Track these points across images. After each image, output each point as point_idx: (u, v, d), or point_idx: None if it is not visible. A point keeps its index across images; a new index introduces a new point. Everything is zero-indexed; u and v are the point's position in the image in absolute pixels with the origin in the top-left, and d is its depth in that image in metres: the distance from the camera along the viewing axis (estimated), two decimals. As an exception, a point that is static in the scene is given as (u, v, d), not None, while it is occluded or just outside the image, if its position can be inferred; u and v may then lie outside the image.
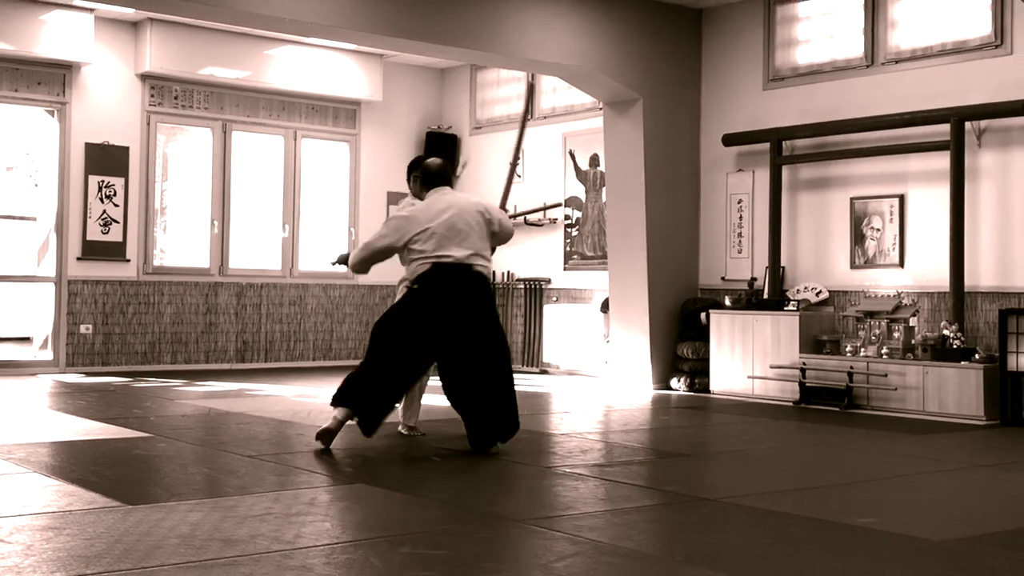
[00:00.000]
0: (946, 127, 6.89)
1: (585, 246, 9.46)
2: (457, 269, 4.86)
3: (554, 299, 9.63)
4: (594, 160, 9.35)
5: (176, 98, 9.38)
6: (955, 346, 6.58)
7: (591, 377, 9.02)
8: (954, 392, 6.49)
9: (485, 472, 4.53)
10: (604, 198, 9.02)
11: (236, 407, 6.51)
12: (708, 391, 7.95)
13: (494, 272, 10.16)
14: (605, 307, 8.81)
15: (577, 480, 4.28)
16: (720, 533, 3.44)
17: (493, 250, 5.16)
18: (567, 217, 9.60)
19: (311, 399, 7.08)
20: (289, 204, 10.00)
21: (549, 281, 9.68)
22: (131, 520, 3.38)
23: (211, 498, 3.76)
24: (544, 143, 9.82)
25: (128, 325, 9.14)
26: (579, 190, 9.52)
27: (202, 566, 2.83)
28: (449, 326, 4.83)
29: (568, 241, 9.59)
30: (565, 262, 9.59)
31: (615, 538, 3.28)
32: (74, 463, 4.47)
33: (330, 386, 8.03)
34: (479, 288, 4.91)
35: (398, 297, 5.23)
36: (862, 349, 7.06)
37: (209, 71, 9.32)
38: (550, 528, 3.38)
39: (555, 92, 9.72)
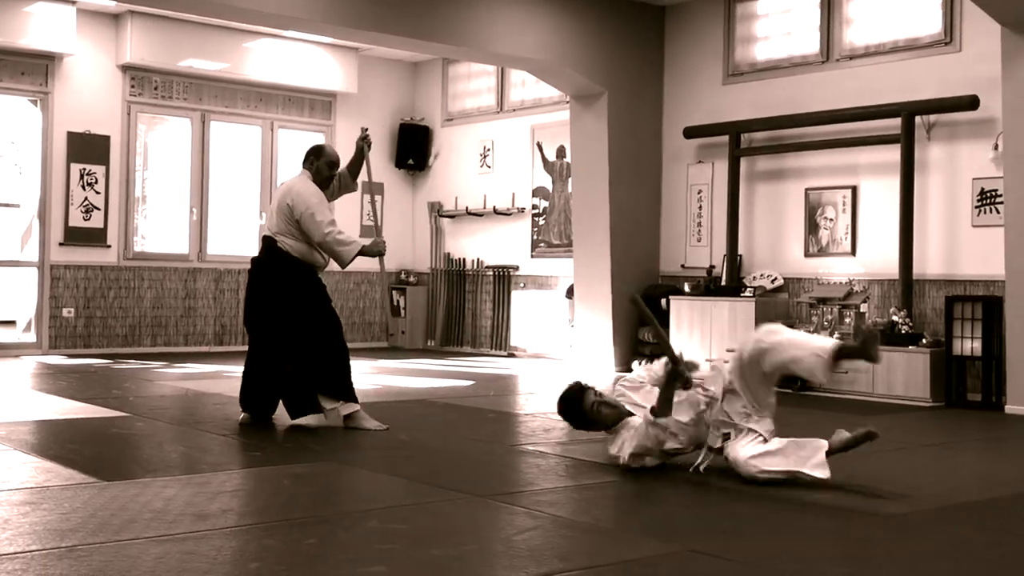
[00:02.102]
0: (897, 121, 6.95)
1: (552, 234, 9.47)
2: (261, 243, 4.97)
3: (521, 285, 9.64)
4: (561, 152, 9.35)
5: (156, 89, 9.27)
6: (903, 331, 6.66)
7: (556, 360, 9.05)
8: (902, 375, 6.57)
9: (450, 450, 4.53)
10: (570, 188, 9.02)
11: (213, 388, 6.47)
12: (669, 373, 7.98)
13: (463, 259, 10.17)
14: (570, 293, 8.84)
15: (539, 457, 4.29)
16: (673, 508, 3.46)
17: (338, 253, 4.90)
18: (535, 207, 9.61)
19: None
20: (266, 192, 9.92)
21: (517, 268, 9.69)
22: (106, 495, 3.35)
23: (185, 474, 3.74)
24: (513, 135, 9.80)
25: (109, 309, 9.04)
26: (546, 180, 9.53)
27: (174, 539, 2.82)
28: (248, 298, 5.00)
29: (535, 230, 9.60)
30: (532, 250, 9.60)
31: (573, 512, 3.30)
32: (53, 441, 4.42)
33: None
34: (266, 261, 4.86)
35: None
36: (815, 334, 7.13)
37: (188, 63, 9.20)
38: (512, 503, 3.39)
39: (524, 86, 9.70)
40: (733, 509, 3.45)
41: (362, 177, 5.35)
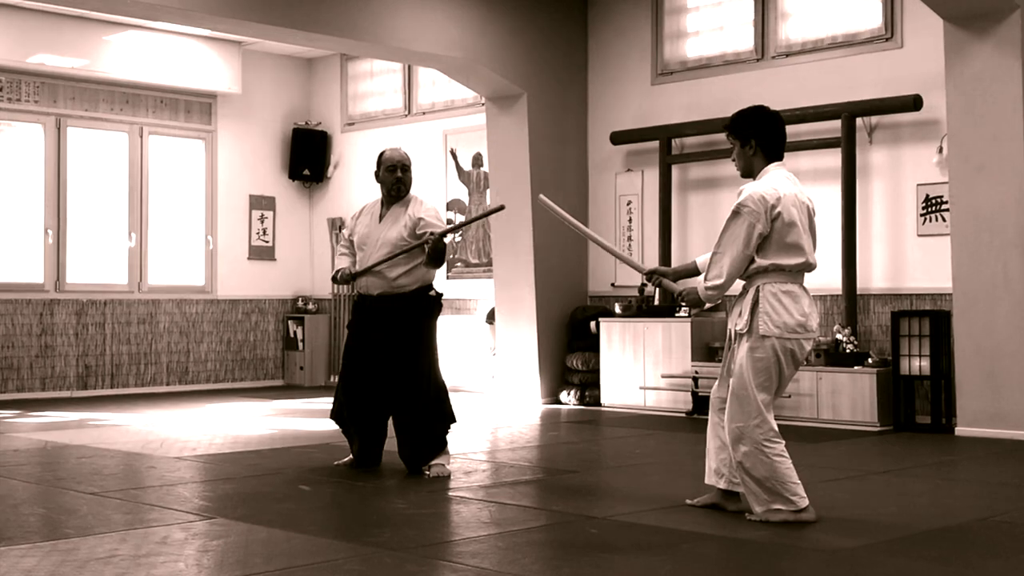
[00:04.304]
0: (837, 123, 7.32)
1: (469, 252, 9.60)
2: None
3: (436, 310, 9.72)
4: (477, 160, 9.51)
5: (1, 90, 9.06)
6: (848, 350, 7.00)
7: (476, 393, 9.16)
8: (848, 398, 6.90)
9: (359, 501, 4.59)
10: (488, 200, 9.17)
11: (77, 439, 6.38)
12: (599, 404, 8.20)
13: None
14: (491, 318, 8.97)
15: (460, 504, 4.39)
16: (608, 553, 3.60)
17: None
18: (449, 222, 9.70)
19: (165, 428, 6.97)
20: (136, 210, 9.78)
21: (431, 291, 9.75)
22: (-42, 568, 3.30)
23: (48, 541, 3.69)
24: (423, 141, 9.90)
25: (-50, 349, 8.78)
26: (462, 192, 9.66)
27: (44, 615, 2.81)
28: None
29: (451, 247, 9.70)
30: (448, 270, 9.71)
31: (499, 563, 3.40)
32: None
33: (187, 412, 7.93)
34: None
35: None
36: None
37: (39, 59, 9.03)
38: (430, 556, 3.48)
39: (434, 85, 9.84)
40: (668, 552, 3.60)
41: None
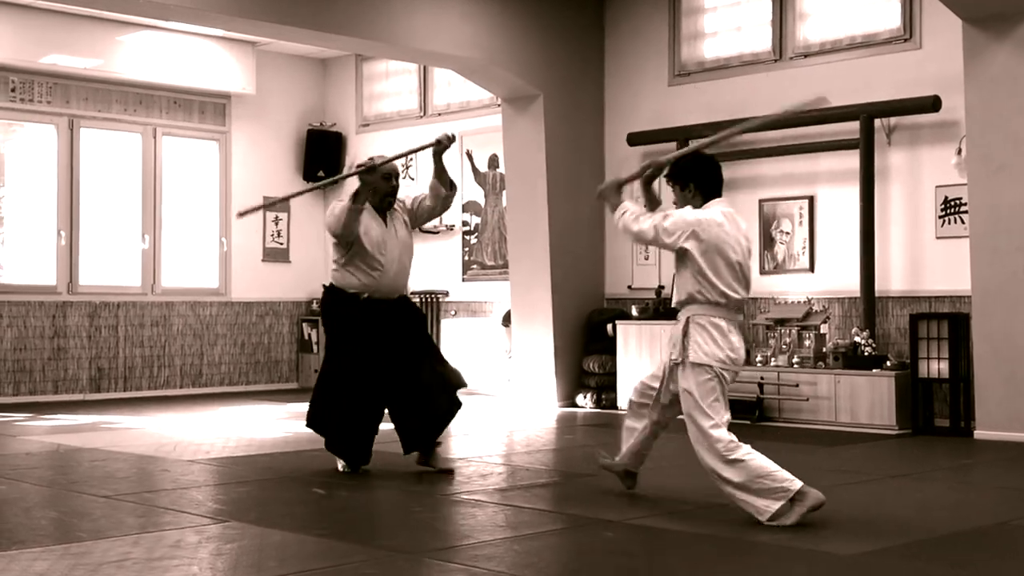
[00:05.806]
0: (855, 125, 7.35)
1: (485, 254, 9.66)
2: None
3: (452, 313, 9.79)
4: (493, 161, 9.57)
5: (14, 90, 9.17)
6: (866, 353, 7.03)
7: (492, 396, 9.21)
8: (866, 401, 6.93)
9: (374, 503, 4.65)
10: (504, 202, 9.23)
11: (90, 442, 6.45)
12: (616, 407, 8.23)
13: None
14: (507, 320, 9.03)
15: (475, 507, 4.45)
16: (625, 556, 3.65)
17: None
18: (465, 223, 9.77)
19: (178, 431, 7.05)
20: (149, 211, 9.88)
21: (446, 293, 9.83)
22: (-30, 571, 3.36)
23: (60, 544, 3.72)
24: (437, 142, 9.95)
25: (-38, 352, 8.89)
26: (478, 194, 9.72)
27: (59, 617, 2.85)
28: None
29: (467, 249, 9.77)
30: (463, 272, 9.76)
31: (515, 567, 3.45)
32: (-95, 509, 4.38)
33: (201, 415, 8.01)
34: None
35: None
36: (773, 358, 7.47)
37: (52, 59, 9.12)
38: (445, 560, 3.53)
39: (450, 86, 9.90)
40: (685, 554, 3.66)
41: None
